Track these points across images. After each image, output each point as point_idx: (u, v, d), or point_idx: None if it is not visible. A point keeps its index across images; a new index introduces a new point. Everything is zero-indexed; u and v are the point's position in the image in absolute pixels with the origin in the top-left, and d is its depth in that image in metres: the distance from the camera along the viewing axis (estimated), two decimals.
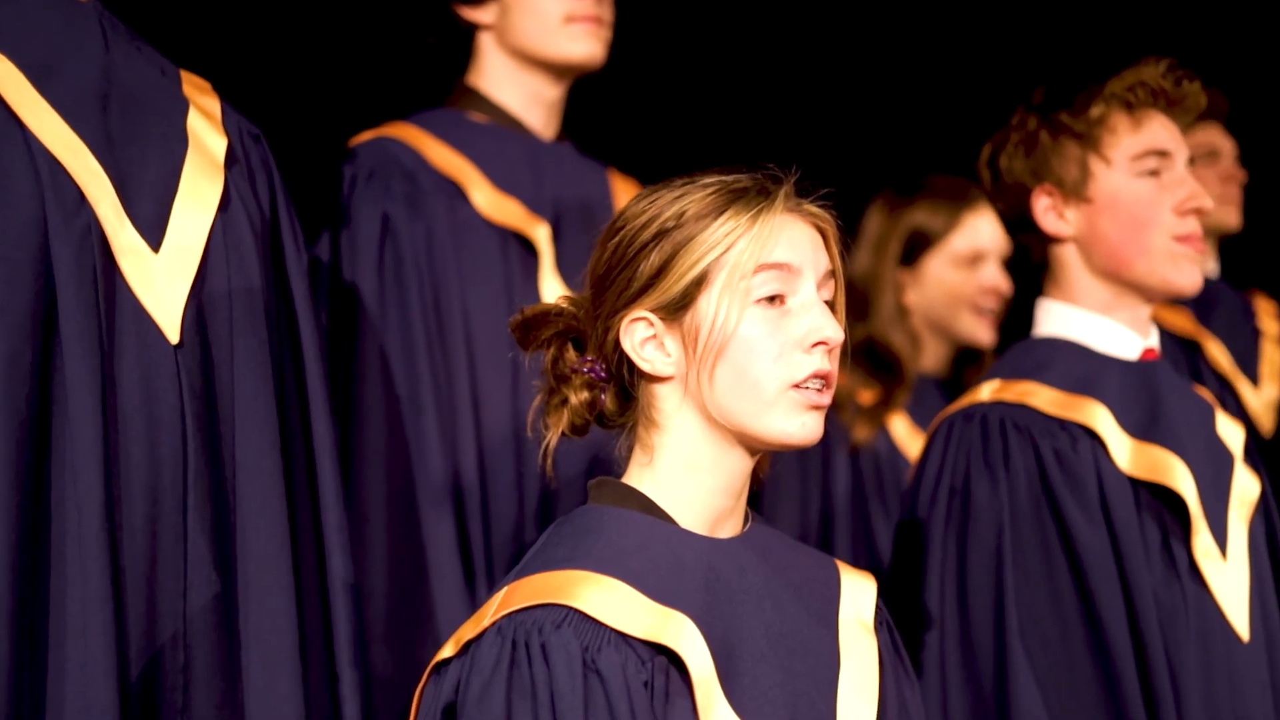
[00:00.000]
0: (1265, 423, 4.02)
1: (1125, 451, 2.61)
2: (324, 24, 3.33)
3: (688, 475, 2.03)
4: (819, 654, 2.04)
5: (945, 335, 3.47)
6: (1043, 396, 2.63)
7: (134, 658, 2.11)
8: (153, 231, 2.18)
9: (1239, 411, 4.01)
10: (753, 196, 2.03)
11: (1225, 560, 2.65)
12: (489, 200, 2.81)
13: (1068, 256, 2.72)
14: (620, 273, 2.04)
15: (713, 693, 1.93)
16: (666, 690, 1.92)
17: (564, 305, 2.10)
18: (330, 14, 3.34)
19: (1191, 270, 2.68)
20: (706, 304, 2.00)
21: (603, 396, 2.08)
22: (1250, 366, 4.08)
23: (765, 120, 4.01)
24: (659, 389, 2.05)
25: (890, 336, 3.44)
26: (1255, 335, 4.13)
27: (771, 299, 2.01)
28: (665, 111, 3.84)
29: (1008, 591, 2.52)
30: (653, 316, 2.03)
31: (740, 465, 2.05)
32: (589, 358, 2.07)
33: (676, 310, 2.02)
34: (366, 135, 2.86)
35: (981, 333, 3.48)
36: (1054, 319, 2.74)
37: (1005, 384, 2.67)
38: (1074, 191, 2.69)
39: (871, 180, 3.58)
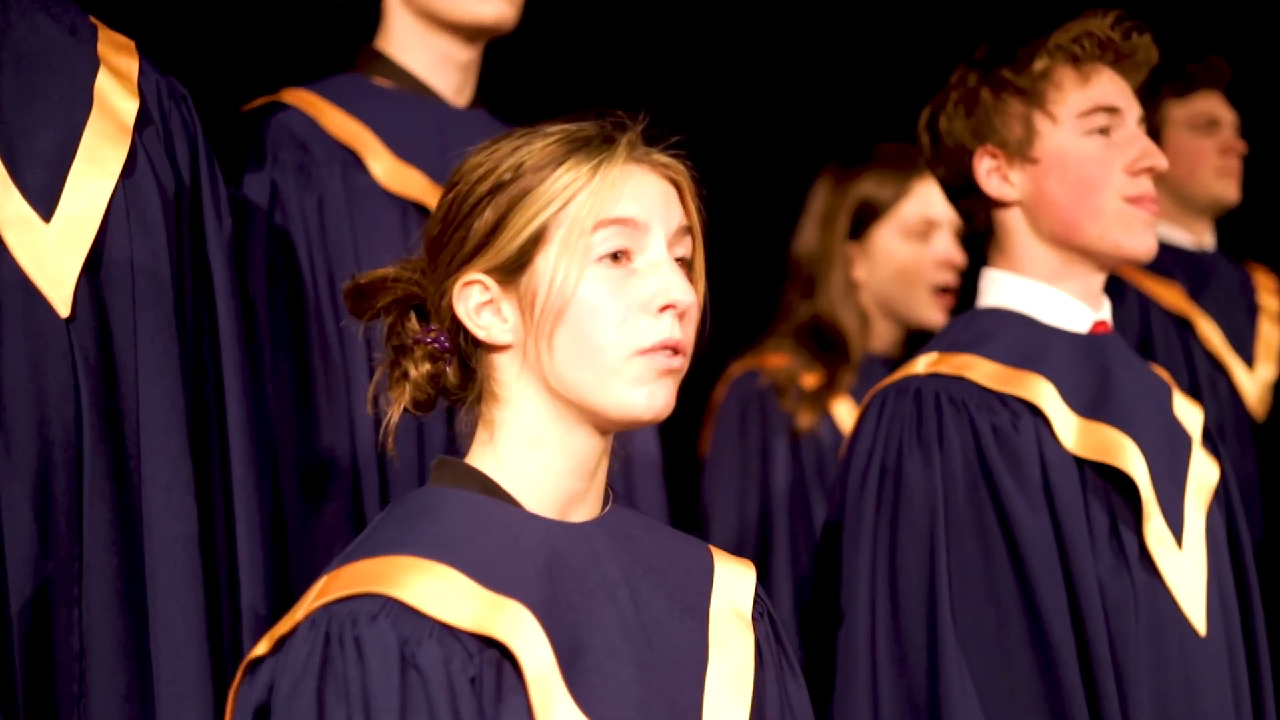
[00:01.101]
0: (1257, 405, 3.82)
1: (1071, 430, 2.42)
2: None
3: (531, 454, 1.86)
4: (683, 647, 1.87)
5: (896, 315, 3.29)
6: (983, 370, 2.45)
7: (20, 647, 1.99)
8: (44, 200, 2.06)
9: (1230, 393, 3.83)
10: (595, 146, 1.86)
11: (1181, 549, 2.46)
12: (388, 169, 2.64)
13: (1013, 222, 2.54)
14: (454, 232, 1.86)
15: (551, 688, 1.75)
16: (498, 686, 1.74)
17: (403, 271, 1.92)
18: None
19: (1144, 234, 2.49)
20: (544, 264, 1.83)
21: (447, 369, 1.90)
22: (1247, 343, 3.89)
23: (702, 91, 3.85)
24: (498, 359, 1.87)
25: (838, 314, 3.27)
26: (1253, 311, 3.94)
27: (615, 257, 1.83)
28: (594, 78, 3.68)
29: (940, 578, 2.34)
30: (488, 279, 1.85)
31: (589, 444, 1.87)
32: (432, 327, 1.90)
33: (512, 271, 1.84)
34: (259, 102, 2.70)
35: (934, 314, 3.30)
36: (998, 289, 2.55)
37: (943, 356, 2.48)
38: (1018, 152, 2.50)
39: (820, 153, 3.41)
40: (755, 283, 3.50)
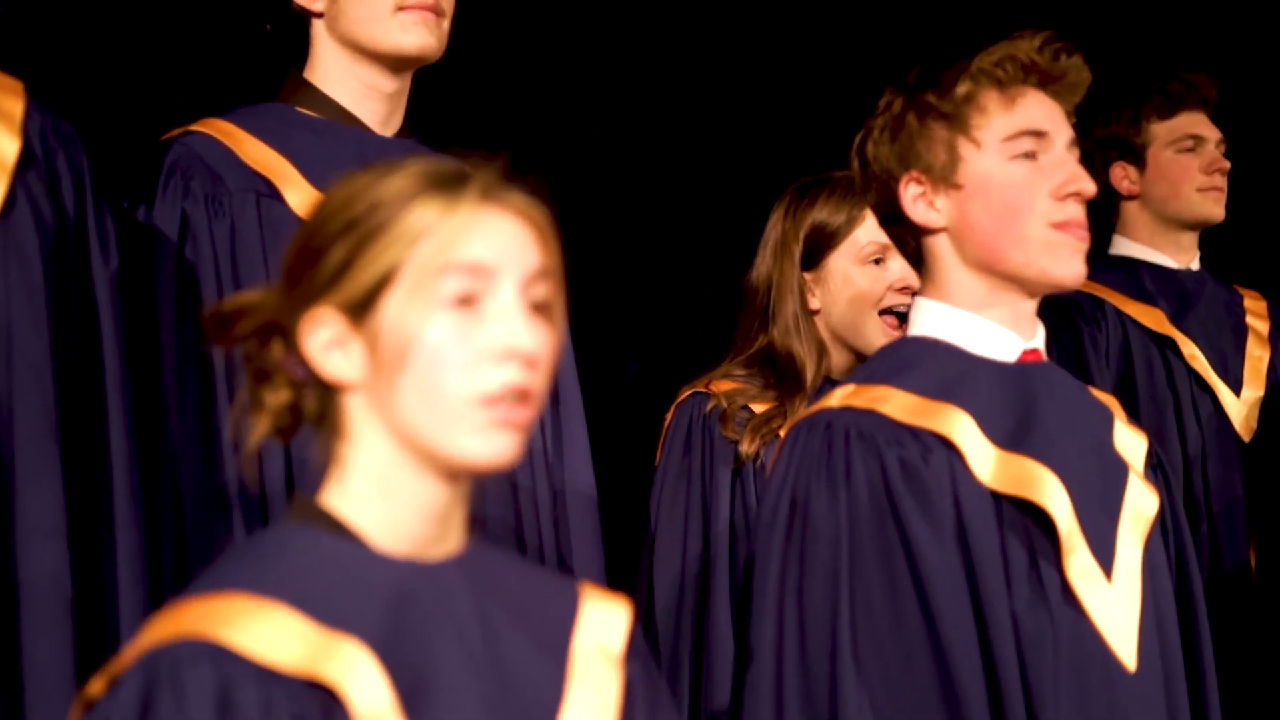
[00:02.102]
0: (1243, 427, 3.75)
1: (988, 463, 2.37)
2: (169, 16, 3.20)
3: (380, 496, 1.82)
4: (540, 685, 1.84)
5: (851, 342, 3.24)
6: (896, 402, 2.40)
7: None
8: None
9: (1215, 415, 3.76)
10: (448, 185, 1.82)
11: (1110, 582, 2.40)
12: (304, 199, 2.63)
13: (940, 249, 2.49)
14: (306, 266, 1.83)
15: None
16: None
17: (268, 297, 1.88)
18: (176, 5, 3.20)
19: (1071, 260, 2.44)
20: (390, 306, 1.79)
21: (306, 398, 1.87)
22: (1234, 365, 3.82)
23: (656, 121, 3.82)
24: (346, 398, 1.84)
25: (791, 344, 3.21)
26: (1240, 332, 3.87)
27: (464, 301, 1.80)
28: (542, 105, 3.66)
29: (841, 615, 2.29)
30: (336, 318, 1.82)
31: (438, 491, 1.83)
32: (297, 357, 1.86)
33: (360, 311, 1.80)
34: (176, 131, 2.69)
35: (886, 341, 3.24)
36: (926, 317, 2.51)
37: (859, 389, 2.44)
38: (943, 178, 2.46)
39: (788, 179, 3.37)
40: (721, 311, 3.47)
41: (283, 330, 1.87)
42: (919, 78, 2.49)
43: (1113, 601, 2.39)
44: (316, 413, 1.87)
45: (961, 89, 2.45)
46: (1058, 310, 3.82)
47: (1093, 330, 3.80)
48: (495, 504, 2.78)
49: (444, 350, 1.78)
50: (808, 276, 3.25)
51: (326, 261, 1.82)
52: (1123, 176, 3.88)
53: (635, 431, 3.34)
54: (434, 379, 1.78)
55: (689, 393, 3.27)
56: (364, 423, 1.83)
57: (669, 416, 3.28)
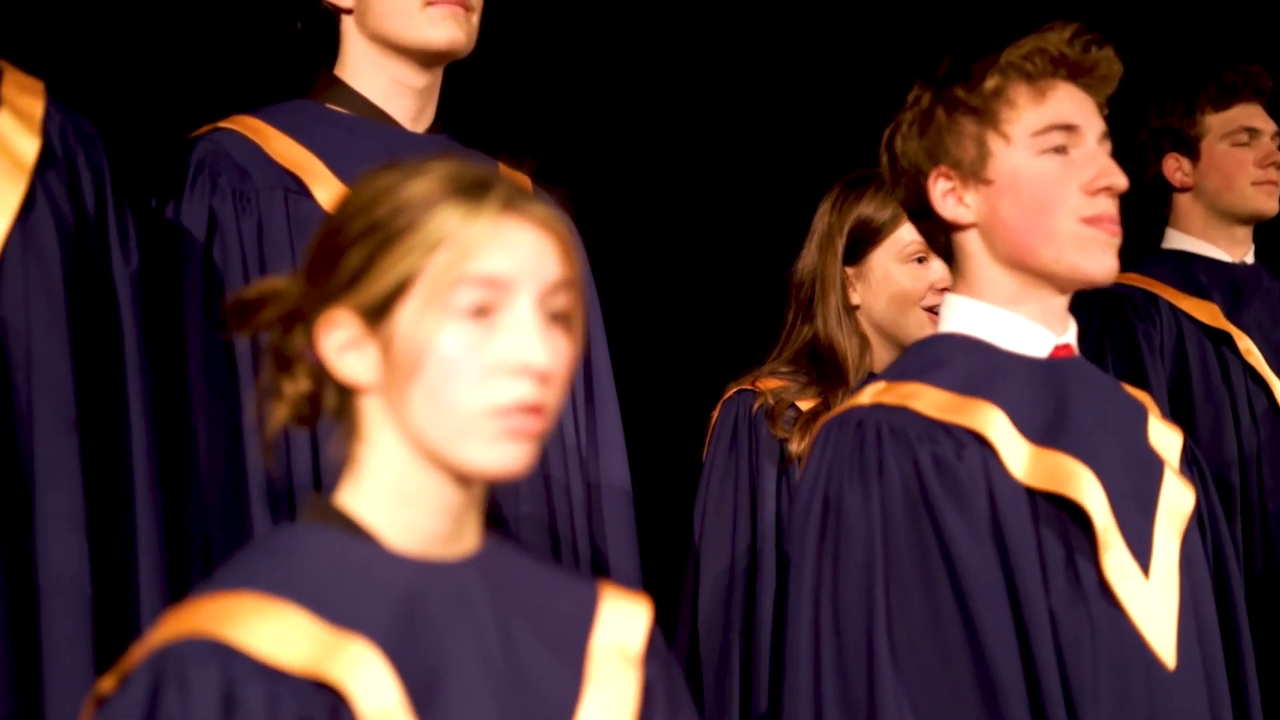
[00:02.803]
0: None
1: (1022, 459, 2.35)
2: (198, 14, 3.22)
3: (394, 497, 1.83)
4: (555, 686, 1.83)
5: (894, 337, 3.22)
6: (928, 399, 2.38)
7: None
8: None
9: (1270, 411, 3.71)
10: (470, 193, 1.81)
11: (1148, 579, 2.37)
12: (333, 196, 2.62)
13: (970, 245, 2.47)
14: (326, 266, 1.83)
15: None
16: None
17: (289, 286, 1.88)
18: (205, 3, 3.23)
19: (1103, 255, 2.41)
20: (405, 314, 1.79)
21: (327, 390, 1.87)
22: None
23: (714, 111, 3.81)
24: (361, 400, 1.84)
25: (835, 337, 3.20)
26: None
27: (480, 312, 1.79)
28: (586, 99, 3.66)
29: (877, 613, 2.27)
30: (353, 319, 1.82)
31: (452, 493, 1.83)
32: None
33: (376, 316, 1.80)
34: (205, 129, 2.70)
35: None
36: (956, 314, 2.49)
37: (890, 386, 2.42)
38: (972, 173, 2.43)
39: (836, 173, 3.35)
40: (764, 310, 3.46)
41: (304, 318, 1.87)
42: (948, 71, 2.47)
43: (1151, 598, 2.36)
44: (336, 407, 1.87)
45: (990, 83, 2.43)
46: (1111, 306, 3.79)
47: (1146, 326, 3.76)
48: (528, 501, 2.78)
49: (457, 361, 1.78)
50: (850, 271, 3.24)
51: (346, 263, 1.82)
52: (1176, 169, 3.84)
53: (651, 429, 3.32)
54: (446, 389, 1.78)
55: (735, 390, 3.27)
56: (379, 425, 1.83)
57: (715, 414, 3.28)
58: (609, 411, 2.92)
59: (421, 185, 1.82)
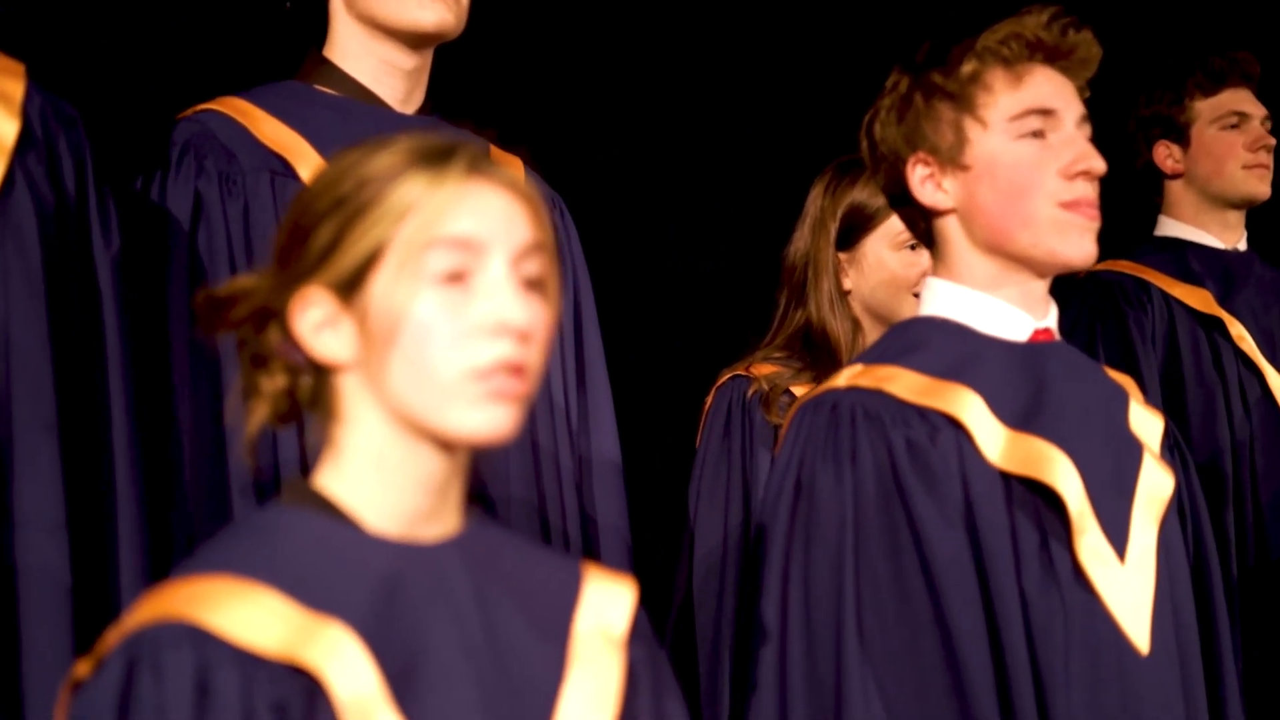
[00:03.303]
0: None
1: (997, 443, 2.35)
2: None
3: (374, 473, 1.83)
4: (538, 669, 1.83)
5: (886, 321, 3.22)
6: (904, 382, 2.38)
7: None
8: None
9: (1263, 398, 3.70)
10: (435, 160, 1.81)
11: (1124, 564, 2.37)
12: None
13: (949, 230, 2.47)
14: (296, 246, 1.83)
15: (373, 714, 1.73)
16: (310, 711, 1.72)
17: (261, 281, 1.88)
18: None
19: (1081, 240, 2.41)
20: (378, 284, 1.79)
21: (302, 382, 1.87)
22: None
23: (704, 95, 3.80)
24: (339, 379, 1.84)
25: (827, 321, 3.20)
26: None
27: (453, 277, 1.80)
28: (582, 80, 3.65)
29: (846, 596, 2.28)
30: (326, 297, 1.82)
31: (435, 464, 1.83)
32: (293, 340, 1.86)
33: (349, 290, 1.80)
34: (191, 110, 2.68)
35: None
36: (936, 298, 2.49)
37: (867, 369, 2.42)
38: (950, 158, 2.43)
39: (826, 158, 3.35)
40: (757, 289, 3.46)
41: (277, 314, 1.87)
42: (925, 57, 2.47)
43: (1125, 583, 2.36)
44: (311, 397, 1.88)
45: (967, 68, 2.42)
46: (1103, 294, 3.78)
47: (1138, 313, 3.76)
48: (518, 481, 2.77)
49: (433, 326, 1.78)
50: (842, 257, 3.24)
51: (315, 240, 1.82)
52: (1166, 155, 3.83)
53: (644, 409, 3.33)
54: (424, 355, 1.78)
55: (729, 376, 3.27)
56: (357, 402, 1.83)
57: (709, 400, 3.28)
58: (600, 390, 2.91)
59: (385, 158, 1.83)
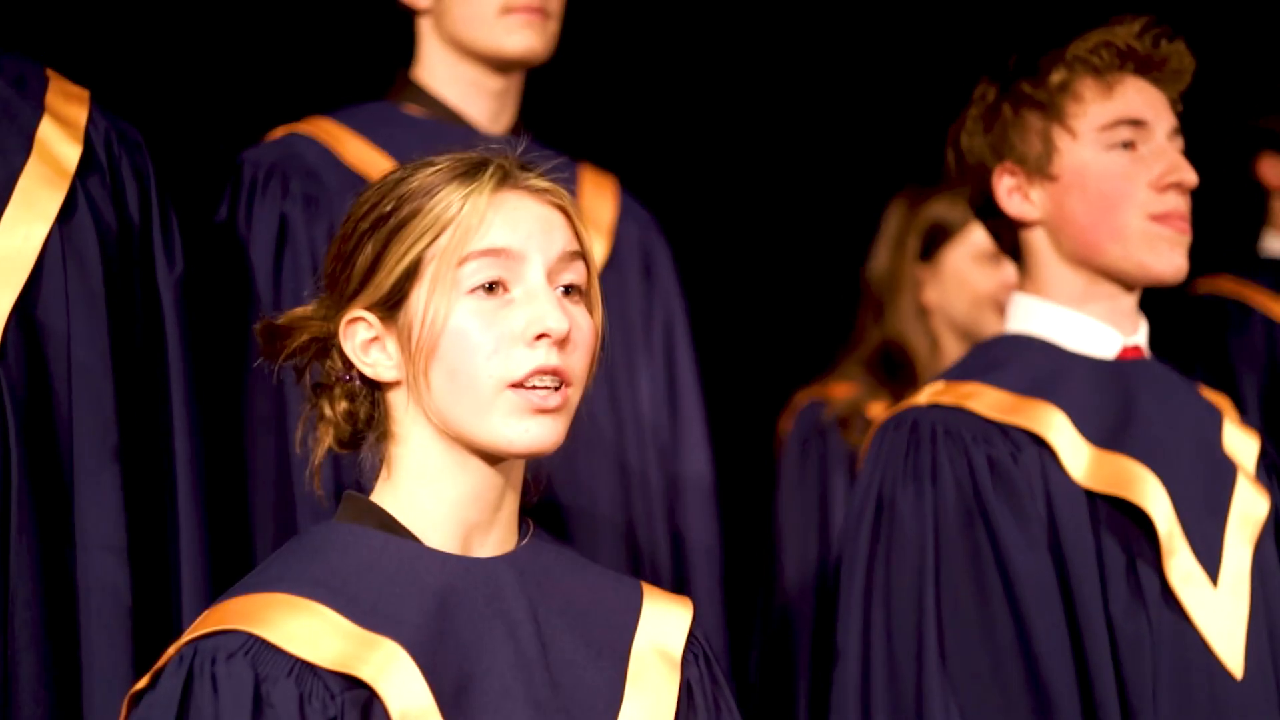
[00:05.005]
0: None
1: (1082, 461, 2.29)
2: (279, 19, 3.23)
3: (426, 489, 1.82)
4: (595, 688, 1.81)
5: (967, 337, 3.17)
6: (987, 399, 2.33)
7: None
8: None
9: None
10: (470, 175, 1.81)
11: (1216, 587, 2.30)
12: None
13: (1036, 243, 2.42)
14: (342, 268, 1.84)
15: None
16: None
17: (316, 309, 1.89)
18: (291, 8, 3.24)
19: (1171, 253, 2.35)
20: (417, 299, 1.79)
21: (361, 406, 1.87)
22: None
23: (777, 114, 3.77)
24: (390, 396, 1.84)
25: (907, 337, 3.17)
26: None
27: (491, 288, 1.79)
28: (657, 101, 3.63)
29: (928, 617, 2.23)
30: (371, 316, 1.82)
31: (484, 477, 1.82)
32: (351, 365, 1.86)
33: (391, 307, 1.81)
34: (278, 132, 2.69)
35: None
36: (1022, 313, 2.44)
37: (949, 386, 2.37)
38: (1038, 169, 2.39)
39: (899, 177, 3.32)
40: (832, 309, 3.43)
41: (334, 340, 1.87)
42: (1015, 66, 2.43)
43: (1219, 606, 2.30)
44: (367, 418, 1.87)
45: (1057, 77, 2.38)
46: (1202, 312, 3.70)
47: (1238, 333, 3.68)
48: (607, 503, 2.74)
49: (471, 337, 1.78)
50: (923, 271, 3.20)
51: (358, 261, 1.83)
52: (1271, 170, 3.74)
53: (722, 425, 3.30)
54: (464, 366, 1.78)
55: (804, 399, 3.25)
56: (407, 419, 1.83)
57: (785, 423, 3.26)
58: (692, 411, 2.86)
59: (423, 175, 1.83)
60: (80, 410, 2.13)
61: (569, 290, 1.83)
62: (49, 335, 2.13)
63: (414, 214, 1.80)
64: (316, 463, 1.90)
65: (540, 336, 1.78)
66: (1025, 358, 2.38)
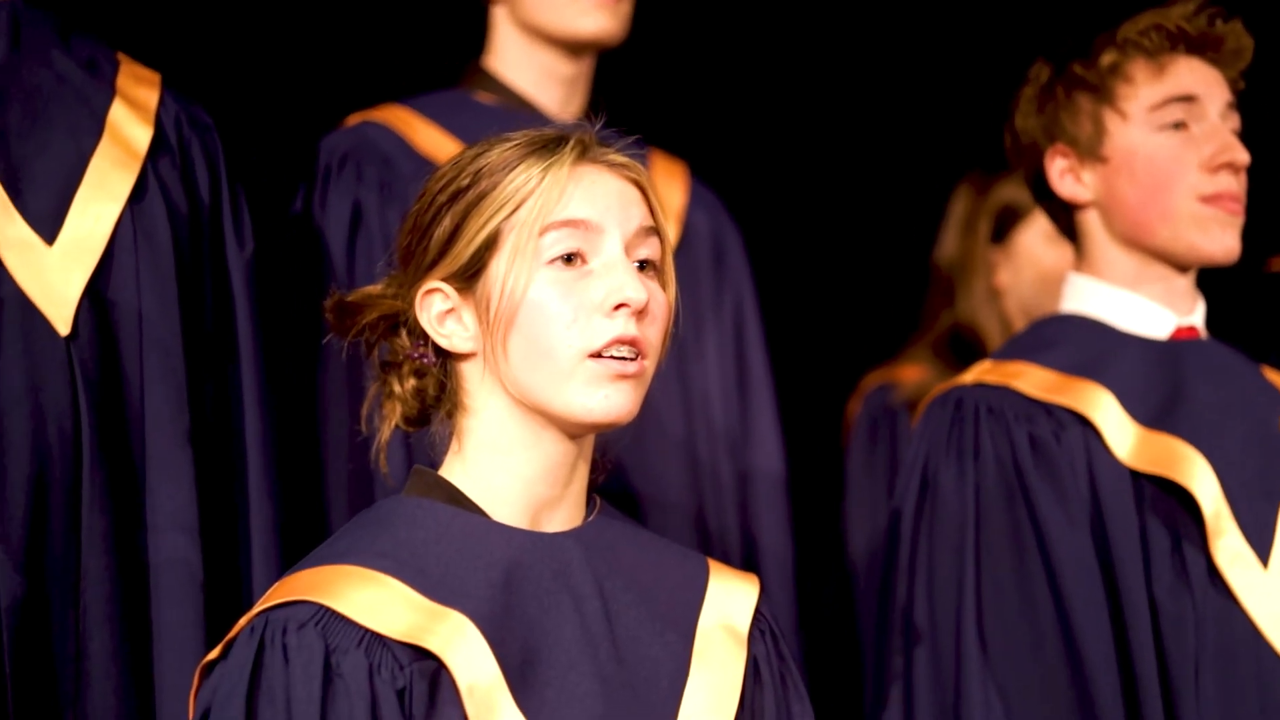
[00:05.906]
0: None
1: (1128, 441, 2.29)
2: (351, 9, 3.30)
3: (498, 462, 1.85)
4: (661, 663, 1.83)
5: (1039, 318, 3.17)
6: (1033, 379, 2.34)
7: (12, 646, 2.08)
8: (48, 224, 2.17)
9: None
10: (549, 149, 1.84)
11: (1267, 569, 2.29)
12: None
13: (1090, 224, 2.43)
14: (418, 241, 1.87)
15: (494, 700, 1.75)
16: (432, 697, 1.75)
17: (388, 286, 1.93)
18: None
19: (1223, 235, 2.34)
20: (496, 269, 1.82)
21: (430, 382, 1.90)
22: None
23: (841, 99, 3.77)
24: (464, 368, 1.87)
25: (979, 320, 3.17)
26: None
27: (569, 260, 1.82)
28: (723, 86, 3.64)
29: (967, 596, 2.24)
30: (447, 287, 1.85)
31: (557, 449, 1.85)
32: (420, 342, 1.90)
33: (469, 278, 1.84)
34: (352, 119, 2.74)
35: None
36: (1076, 294, 2.44)
37: (995, 365, 2.39)
38: (1089, 151, 2.39)
39: (961, 162, 3.32)
40: (898, 293, 3.44)
41: (404, 317, 1.91)
42: (1067, 48, 2.43)
43: (1269, 588, 2.29)
44: (437, 392, 1.90)
45: (1108, 58, 2.38)
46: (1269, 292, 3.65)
47: None
48: (677, 493, 2.78)
49: (549, 307, 1.81)
50: (996, 253, 3.20)
51: (434, 233, 1.86)
52: None
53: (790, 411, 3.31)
54: (543, 336, 1.81)
55: (873, 383, 3.26)
56: (481, 391, 1.86)
57: (854, 406, 3.27)
58: (763, 402, 2.88)
59: (501, 149, 1.86)
60: (152, 390, 2.18)
61: (644, 265, 1.85)
62: (121, 315, 2.18)
63: (493, 186, 1.84)
64: (383, 440, 1.93)
65: (619, 307, 1.81)
66: (1076, 338, 2.38)
